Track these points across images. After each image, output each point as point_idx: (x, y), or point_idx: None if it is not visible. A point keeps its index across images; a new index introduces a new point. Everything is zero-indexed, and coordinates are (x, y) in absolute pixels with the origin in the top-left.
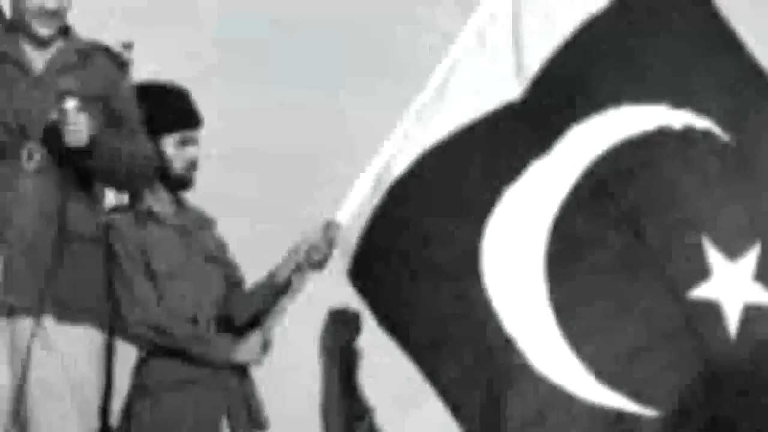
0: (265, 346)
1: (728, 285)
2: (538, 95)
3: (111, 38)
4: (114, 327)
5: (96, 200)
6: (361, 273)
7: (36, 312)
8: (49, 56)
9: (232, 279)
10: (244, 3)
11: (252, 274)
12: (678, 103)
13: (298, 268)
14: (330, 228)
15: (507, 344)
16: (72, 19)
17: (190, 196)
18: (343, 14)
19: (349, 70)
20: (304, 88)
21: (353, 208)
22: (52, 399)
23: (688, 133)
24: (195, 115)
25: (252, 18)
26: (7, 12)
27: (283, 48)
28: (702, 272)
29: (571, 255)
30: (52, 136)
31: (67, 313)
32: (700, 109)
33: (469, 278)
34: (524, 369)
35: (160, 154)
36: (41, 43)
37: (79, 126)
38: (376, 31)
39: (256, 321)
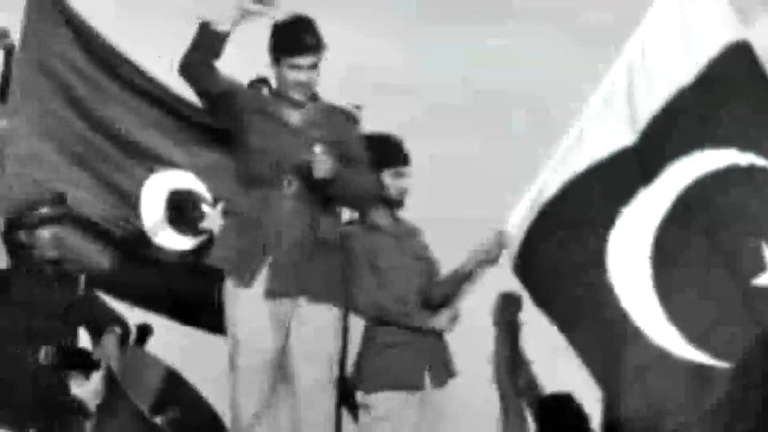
0: (454, 318)
1: None
2: (645, 142)
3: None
4: (348, 305)
5: (336, 216)
6: (522, 267)
7: (294, 295)
8: (303, 114)
9: (431, 271)
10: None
11: (445, 267)
12: (744, 147)
13: (478, 264)
14: (501, 236)
15: (623, 317)
16: (332, 94)
17: (407, 214)
18: (532, 86)
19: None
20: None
21: (517, 221)
22: (306, 356)
23: (751, 169)
24: (405, 155)
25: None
26: (273, 83)
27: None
28: (761, 267)
29: (669, 255)
30: (305, 171)
31: (316, 296)
32: (761, 152)
33: (597, 271)
34: (635, 334)
35: (381, 184)
36: (296, 105)
37: (324, 164)
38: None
39: (448, 300)
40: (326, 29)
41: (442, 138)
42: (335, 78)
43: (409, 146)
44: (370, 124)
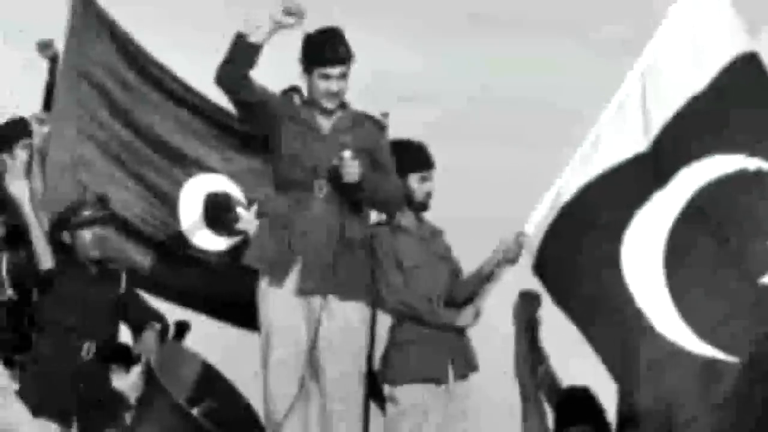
0: (477, 315)
1: None
2: (658, 148)
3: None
4: (376, 302)
5: (364, 218)
6: (541, 267)
7: (324, 293)
8: (332, 122)
9: (454, 270)
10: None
11: (467, 266)
12: (752, 152)
13: (498, 263)
14: (520, 237)
15: (637, 313)
16: (358, 100)
17: (427, 215)
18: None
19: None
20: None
21: (536, 222)
22: (335, 350)
23: (758, 173)
24: (430, 160)
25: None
26: (305, 92)
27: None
28: (767, 267)
29: (681, 254)
30: (335, 175)
31: (345, 293)
32: (767, 157)
33: (612, 270)
34: (649, 330)
35: (407, 187)
36: (327, 113)
37: (352, 169)
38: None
39: (470, 298)
40: (351, 37)
41: (462, 143)
42: (361, 84)
43: (431, 150)
44: (393, 129)
